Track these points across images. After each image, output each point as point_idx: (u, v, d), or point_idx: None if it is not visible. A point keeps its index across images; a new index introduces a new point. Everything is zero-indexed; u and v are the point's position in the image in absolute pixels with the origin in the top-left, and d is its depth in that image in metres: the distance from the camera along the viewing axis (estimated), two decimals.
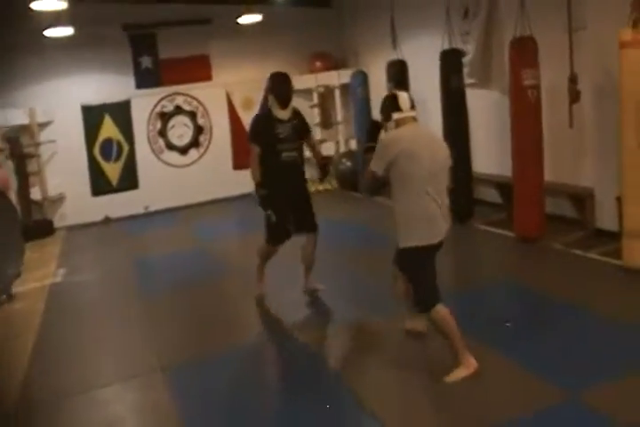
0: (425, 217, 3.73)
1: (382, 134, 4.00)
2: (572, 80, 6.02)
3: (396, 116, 3.89)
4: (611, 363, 3.80)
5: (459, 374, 3.78)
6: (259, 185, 5.37)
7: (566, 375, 3.69)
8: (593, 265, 5.54)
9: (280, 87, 5.36)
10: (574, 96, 6.01)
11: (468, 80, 7.50)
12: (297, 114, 5.52)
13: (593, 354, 3.95)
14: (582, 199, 6.38)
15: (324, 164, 5.82)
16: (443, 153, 3.89)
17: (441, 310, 3.76)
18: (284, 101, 5.32)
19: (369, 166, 3.84)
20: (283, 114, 5.34)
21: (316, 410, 3.70)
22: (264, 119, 5.42)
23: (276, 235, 5.41)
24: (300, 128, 5.47)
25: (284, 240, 5.46)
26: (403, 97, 3.92)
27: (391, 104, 3.92)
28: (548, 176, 6.40)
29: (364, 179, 4.02)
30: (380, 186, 3.94)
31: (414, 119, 3.94)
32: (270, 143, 5.31)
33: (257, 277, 5.66)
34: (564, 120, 6.10)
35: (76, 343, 5.33)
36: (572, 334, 4.25)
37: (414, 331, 4.37)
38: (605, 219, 6.14)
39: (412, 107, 3.93)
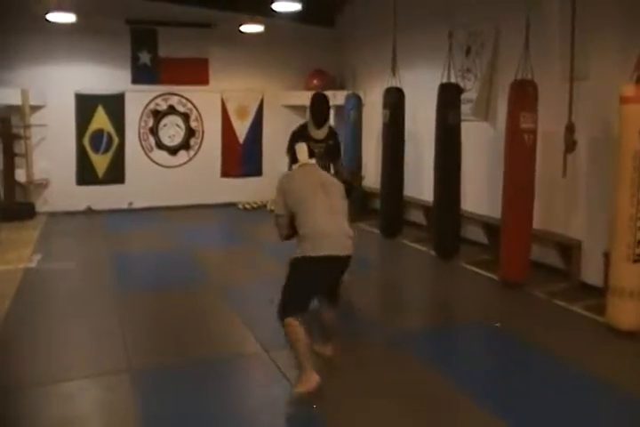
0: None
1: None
2: (569, 129, 5.81)
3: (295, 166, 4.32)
4: (588, 421, 3.68)
5: (299, 388, 3.81)
6: None
7: None
8: (576, 319, 5.35)
9: (317, 108, 5.55)
10: (570, 145, 5.81)
11: (467, 117, 7.39)
12: (333, 135, 5.71)
13: (570, 411, 3.79)
14: (569, 250, 6.20)
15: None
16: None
17: (294, 325, 3.83)
18: (319, 122, 5.51)
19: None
20: (317, 133, 5.53)
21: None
22: (299, 136, 5.47)
23: None
24: (333, 150, 5.65)
25: None
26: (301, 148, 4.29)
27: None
28: (537, 223, 6.22)
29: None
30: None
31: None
32: None
33: None
34: (557, 168, 5.92)
35: (42, 333, 5.06)
36: (548, 388, 4.08)
37: (323, 355, 4.31)
38: (591, 273, 5.97)
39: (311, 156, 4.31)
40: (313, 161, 4.30)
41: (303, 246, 3.95)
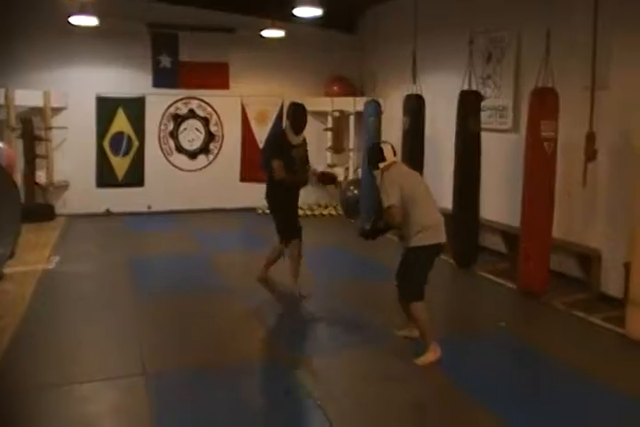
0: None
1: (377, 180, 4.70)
2: (590, 138, 5.82)
3: (381, 165, 4.67)
4: None
5: (427, 358, 4.52)
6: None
7: None
8: (594, 330, 5.31)
9: (297, 117, 6.06)
10: (590, 154, 5.80)
11: (488, 125, 7.38)
12: (304, 142, 6.21)
13: (588, 422, 3.78)
14: (589, 261, 6.15)
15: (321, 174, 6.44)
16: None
17: (422, 306, 4.58)
18: (299, 129, 6.04)
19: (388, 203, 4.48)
20: (295, 139, 6.04)
21: None
22: (281, 141, 6.10)
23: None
24: (303, 154, 6.17)
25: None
26: (387, 149, 4.73)
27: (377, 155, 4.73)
28: (557, 232, 6.20)
29: (390, 217, 4.53)
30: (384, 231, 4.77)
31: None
32: (285, 163, 5.94)
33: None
34: (577, 177, 5.90)
35: (59, 334, 5.12)
36: (566, 399, 4.06)
37: (410, 337, 4.94)
38: (611, 284, 5.92)
39: (395, 154, 4.78)
40: (397, 159, 4.85)
41: (420, 236, 4.50)
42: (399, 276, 4.69)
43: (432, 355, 4.54)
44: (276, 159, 5.90)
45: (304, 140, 6.20)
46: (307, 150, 6.28)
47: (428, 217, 4.57)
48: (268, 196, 6.25)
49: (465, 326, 5.67)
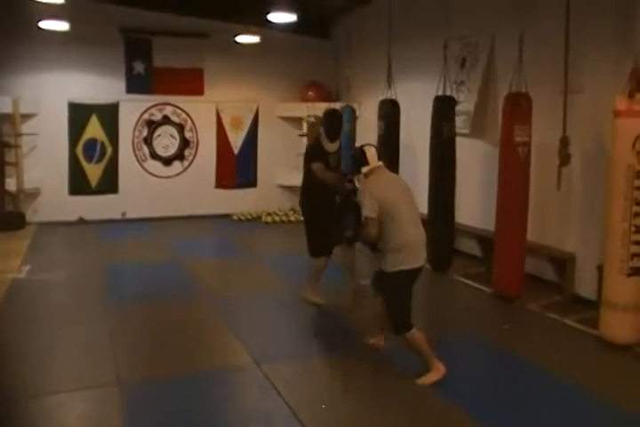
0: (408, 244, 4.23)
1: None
2: (564, 142, 5.85)
3: (364, 169, 4.41)
4: None
5: (430, 378, 4.28)
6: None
7: None
8: (569, 332, 5.36)
9: (331, 123, 5.99)
10: (564, 158, 5.82)
11: (461, 130, 7.45)
12: (340, 148, 6.12)
13: (561, 424, 3.81)
14: (563, 264, 6.20)
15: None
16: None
17: (415, 333, 4.27)
18: (333, 136, 5.93)
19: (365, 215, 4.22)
20: (330, 146, 5.94)
21: None
22: (318, 148, 5.98)
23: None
24: (338, 161, 6.09)
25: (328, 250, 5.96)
26: (370, 152, 4.43)
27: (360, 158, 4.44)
28: (531, 236, 6.23)
29: (366, 229, 4.27)
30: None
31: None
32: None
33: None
34: (551, 181, 5.93)
35: (29, 345, 5.04)
36: (540, 401, 4.10)
37: (376, 345, 4.88)
38: (585, 286, 5.98)
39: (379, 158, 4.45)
40: (381, 163, 4.47)
41: (397, 258, 4.20)
42: (386, 305, 4.46)
43: (435, 375, 4.31)
44: (316, 162, 5.78)
45: (340, 147, 6.12)
46: (340, 158, 6.18)
47: (405, 234, 4.22)
48: (302, 203, 6.17)
49: (440, 330, 5.66)
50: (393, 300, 4.32)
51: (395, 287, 4.29)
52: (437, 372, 4.30)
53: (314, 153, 5.98)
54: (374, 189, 4.28)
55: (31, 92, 9.90)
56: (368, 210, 4.20)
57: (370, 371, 4.60)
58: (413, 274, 4.29)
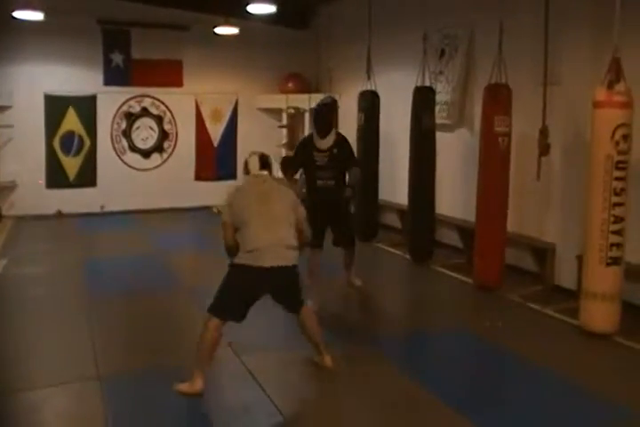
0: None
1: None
2: (543, 133, 5.91)
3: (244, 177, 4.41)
4: (560, 424, 3.71)
5: (183, 388, 3.99)
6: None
7: None
8: (549, 322, 5.39)
9: (318, 117, 5.64)
10: (544, 149, 5.90)
11: (441, 120, 7.45)
12: (341, 143, 5.69)
13: (542, 414, 3.81)
14: (543, 254, 6.23)
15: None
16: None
17: (212, 326, 4.04)
18: (322, 131, 5.57)
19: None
20: (322, 143, 5.58)
21: None
22: (303, 146, 5.73)
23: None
24: (339, 158, 5.62)
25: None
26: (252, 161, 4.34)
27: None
28: (512, 227, 6.26)
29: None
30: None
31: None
32: (308, 169, 5.64)
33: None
34: (531, 172, 5.98)
35: (7, 340, 4.97)
36: (521, 391, 4.13)
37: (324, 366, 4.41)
38: (564, 276, 6.01)
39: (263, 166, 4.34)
40: (264, 172, 4.34)
41: (240, 255, 4.11)
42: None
43: (189, 387, 3.98)
44: (289, 170, 5.60)
45: (337, 141, 5.64)
46: (345, 152, 5.71)
47: (255, 241, 4.06)
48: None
49: (420, 321, 5.70)
50: (222, 284, 4.16)
51: (230, 276, 4.17)
52: (193, 386, 3.98)
53: (297, 153, 5.77)
54: (230, 195, 4.33)
55: (6, 83, 9.76)
56: (223, 216, 4.27)
57: (348, 363, 4.55)
58: (255, 274, 4.05)
